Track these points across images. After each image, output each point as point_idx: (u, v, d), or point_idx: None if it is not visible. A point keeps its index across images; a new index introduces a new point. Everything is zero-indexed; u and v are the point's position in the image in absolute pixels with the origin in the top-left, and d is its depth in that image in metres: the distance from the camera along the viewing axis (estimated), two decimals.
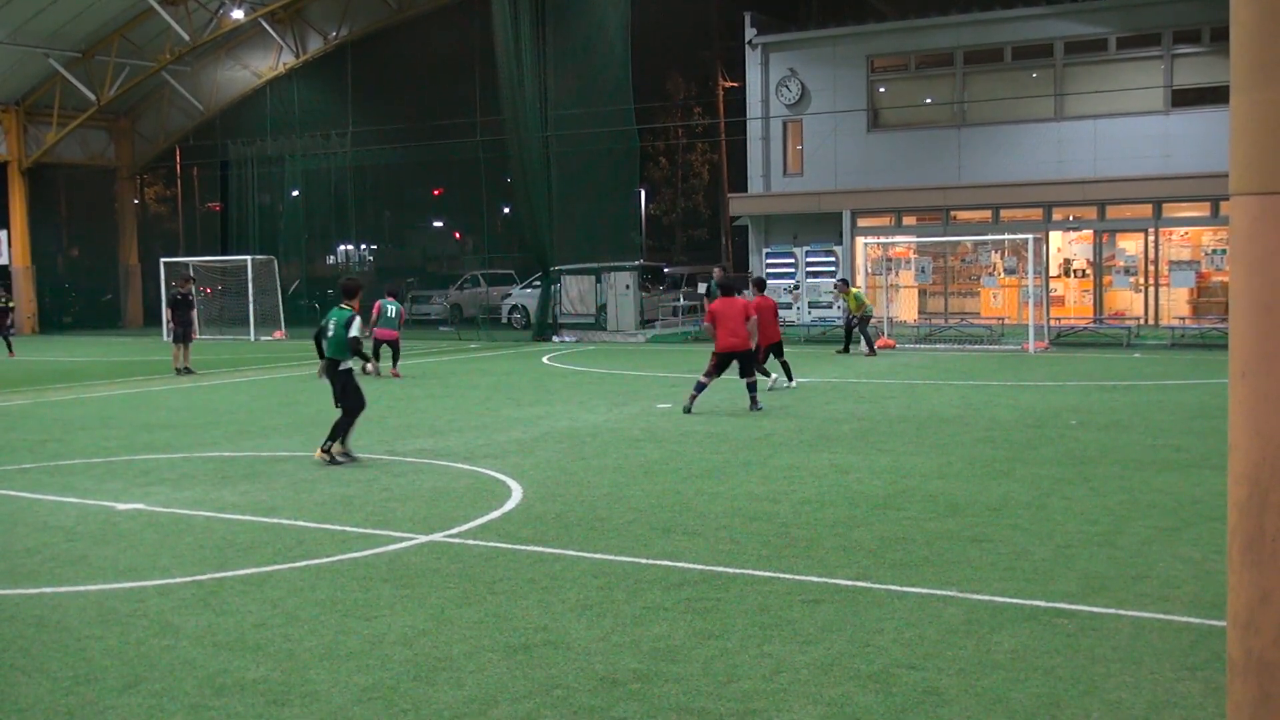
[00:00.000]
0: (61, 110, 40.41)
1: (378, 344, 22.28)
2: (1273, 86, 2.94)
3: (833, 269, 32.42)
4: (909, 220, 34.78)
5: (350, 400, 12.49)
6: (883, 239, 32.88)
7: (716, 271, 25.45)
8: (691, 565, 7.93)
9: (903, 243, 33.48)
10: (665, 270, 42.61)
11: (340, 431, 12.40)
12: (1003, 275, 32.03)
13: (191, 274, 34.16)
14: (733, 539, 8.65)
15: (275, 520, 9.66)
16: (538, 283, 35.08)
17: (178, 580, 7.86)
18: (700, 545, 8.49)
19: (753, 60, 35.93)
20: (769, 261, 34.57)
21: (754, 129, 36.30)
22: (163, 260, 38.87)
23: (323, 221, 42.39)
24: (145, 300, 44.42)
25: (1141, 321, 29.83)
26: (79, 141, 42.73)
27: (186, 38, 37.43)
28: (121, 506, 10.33)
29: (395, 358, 22.78)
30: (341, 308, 12.69)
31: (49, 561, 8.46)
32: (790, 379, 18.68)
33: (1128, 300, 31.62)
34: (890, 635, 6.38)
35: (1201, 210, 30.38)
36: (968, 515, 9.25)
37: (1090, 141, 31.55)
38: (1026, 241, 27.53)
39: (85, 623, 6.96)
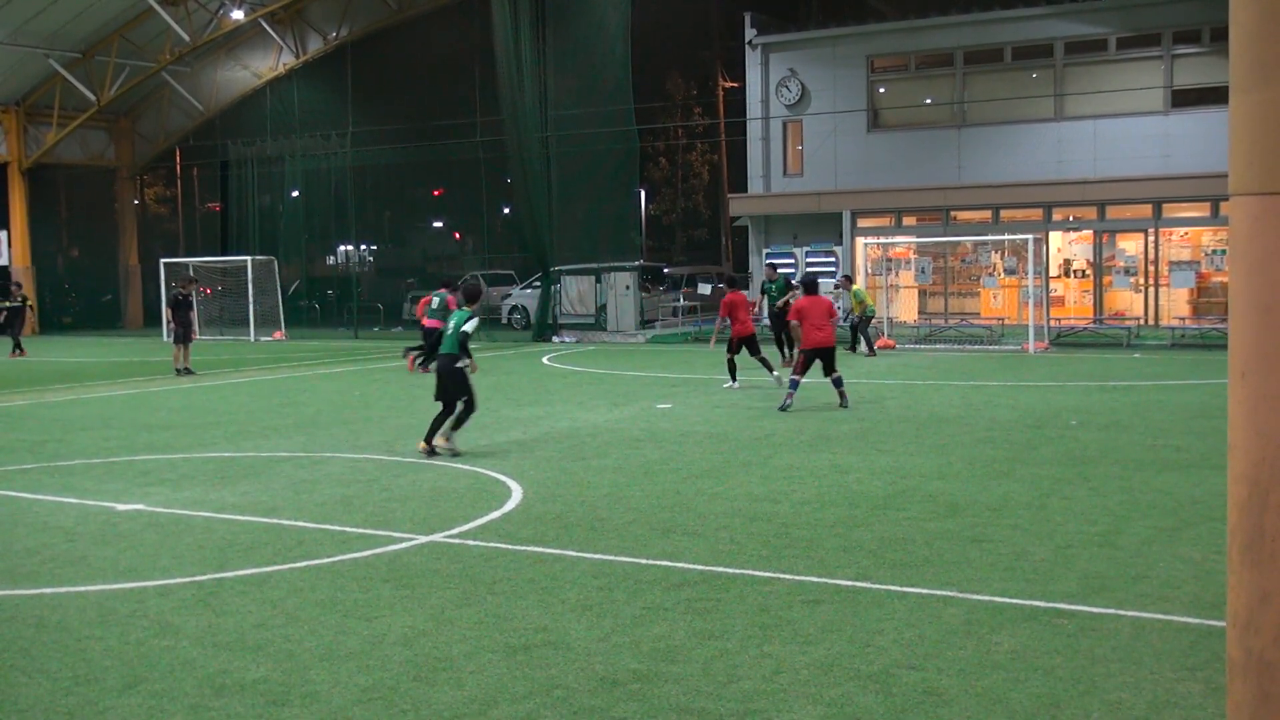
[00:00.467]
0: (61, 110, 40.41)
1: (427, 335, 22.83)
2: (1272, 86, 2.94)
3: (833, 269, 32.42)
4: (909, 220, 34.79)
5: (467, 394, 13.11)
6: (883, 239, 32.89)
7: (768, 270, 25.58)
8: (691, 565, 7.93)
9: (903, 243, 33.49)
10: (665, 270, 42.62)
11: (439, 420, 12.96)
12: (1003, 275, 32.03)
13: (192, 274, 34.17)
14: (733, 539, 8.65)
15: (275, 521, 9.66)
16: (538, 283, 35.07)
17: (178, 581, 7.86)
18: (700, 545, 8.49)
19: (753, 60, 35.93)
20: (769, 262, 34.54)
21: (754, 129, 36.30)
22: (163, 261, 38.88)
23: (322, 222, 42.39)
24: (145, 301, 44.43)
25: (1141, 322, 29.83)
26: (79, 142, 42.73)
27: (186, 38, 37.43)
28: (121, 507, 10.33)
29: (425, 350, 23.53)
30: (462, 309, 13.42)
31: (49, 562, 8.46)
32: (734, 380, 18.89)
33: (1128, 300, 31.62)
34: (890, 635, 6.38)
35: (1201, 210, 30.39)
36: (968, 515, 9.25)
37: (1090, 142, 31.56)
38: (1026, 242, 27.53)
39: (85, 623, 6.96)
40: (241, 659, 6.25)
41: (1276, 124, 2.95)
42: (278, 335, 36.63)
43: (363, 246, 51.42)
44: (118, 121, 44.02)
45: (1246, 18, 3.00)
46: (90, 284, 46.52)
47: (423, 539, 8.86)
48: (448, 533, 9.05)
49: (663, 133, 54.70)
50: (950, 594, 7.12)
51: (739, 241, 46.78)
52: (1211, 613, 6.61)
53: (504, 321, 38.92)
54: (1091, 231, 31.94)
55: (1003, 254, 31.99)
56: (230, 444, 14.06)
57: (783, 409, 15.98)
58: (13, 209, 41.42)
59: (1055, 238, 32.56)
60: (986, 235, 31.59)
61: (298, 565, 8.18)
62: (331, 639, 6.55)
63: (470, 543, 8.74)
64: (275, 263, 38.04)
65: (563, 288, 34.04)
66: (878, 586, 7.33)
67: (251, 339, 36.05)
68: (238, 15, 37.07)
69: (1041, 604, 6.88)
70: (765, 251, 34.92)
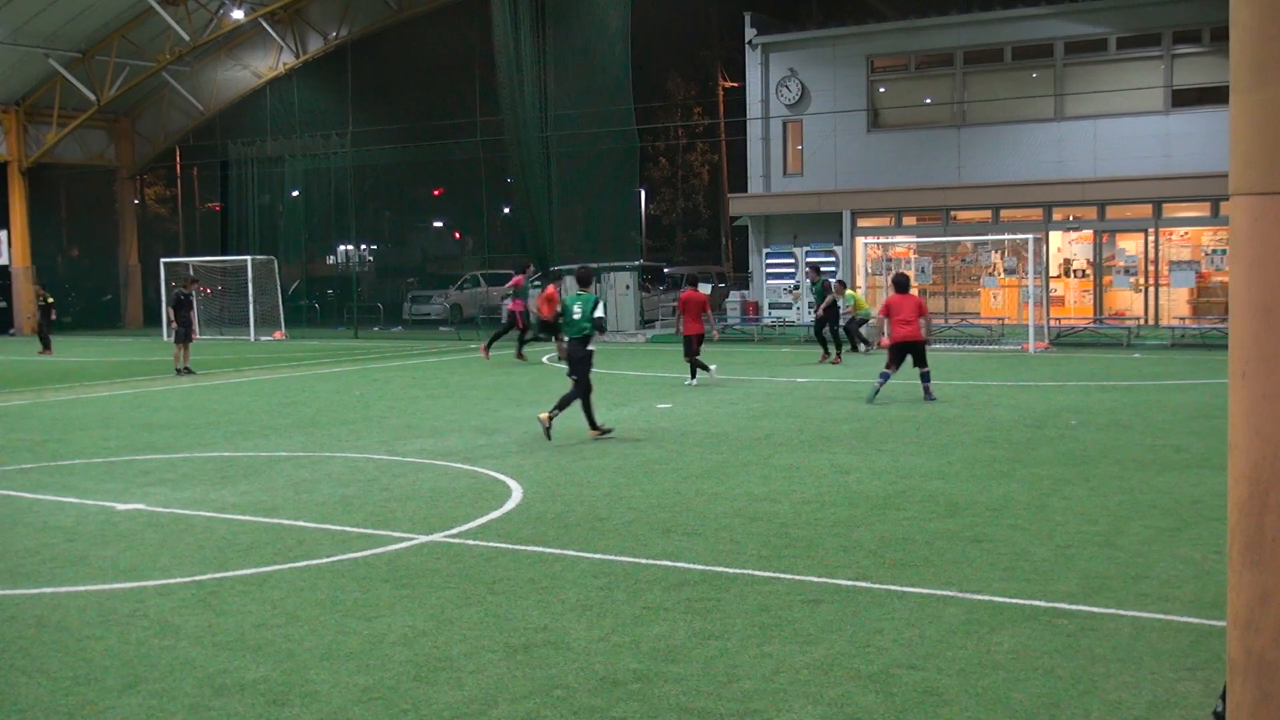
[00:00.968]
0: (61, 110, 40.42)
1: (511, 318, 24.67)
2: (1272, 86, 2.94)
3: (833, 269, 32.43)
4: (909, 220, 34.79)
5: (585, 375, 13.69)
6: (883, 239, 32.89)
7: (810, 273, 25.97)
8: (692, 565, 7.93)
9: (903, 243, 33.49)
10: (665, 270, 42.62)
11: (587, 409, 13.68)
12: (1003, 275, 32.04)
13: (193, 274, 34.18)
14: (733, 539, 8.65)
15: (275, 520, 9.66)
16: (538, 283, 35.06)
17: (178, 580, 7.86)
18: (700, 545, 8.49)
19: (753, 60, 35.94)
20: (769, 262, 34.59)
21: (754, 129, 36.31)
22: (163, 260, 38.89)
23: (323, 222, 42.40)
24: (145, 300, 44.43)
25: (1141, 322, 29.84)
26: (79, 142, 42.74)
27: (186, 38, 37.44)
28: (121, 507, 10.33)
29: (497, 336, 25.29)
30: (581, 293, 14.05)
31: (49, 561, 8.46)
32: (693, 377, 19.47)
33: (1128, 300, 31.63)
34: (890, 635, 6.38)
35: (1201, 210, 30.40)
36: (968, 515, 9.25)
37: (1090, 141, 31.56)
38: (1026, 242, 27.53)
39: (85, 623, 6.96)
40: (241, 659, 6.25)
41: (1276, 124, 2.95)
42: (278, 335, 36.63)
43: (363, 246, 51.38)
44: (118, 121, 44.04)
45: (1246, 18, 3.00)
46: (90, 284, 46.57)
47: (423, 539, 8.86)
48: (448, 533, 9.05)
49: (663, 133, 54.70)
50: (950, 594, 7.12)
51: (739, 241, 46.79)
52: (1211, 613, 6.61)
53: (504, 321, 38.89)
54: (1091, 231, 31.94)
55: (1003, 254, 31.99)
56: (230, 444, 14.06)
57: (870, 401, 16.64)
58: (13, 209, 41.43)
59: (1055, 237, 32.57)
60: (986, 235, 31.60)
61: (298, 565, 8.18)
62: (331, 639, 6.55)
63: (470, 543, 8.74)
64: (275, 262, 38.05)
65: (563, 288, 33.99)
66: (878, 586, 7.33)
67: (251, 339, 36.05)
68: (238, 15, 37.08)
69: (1041, 604, 6.88)
70: (765, 251, 34.92)
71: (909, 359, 16.93)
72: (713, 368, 19.77)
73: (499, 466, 11.92)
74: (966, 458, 11.90)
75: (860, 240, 33.16)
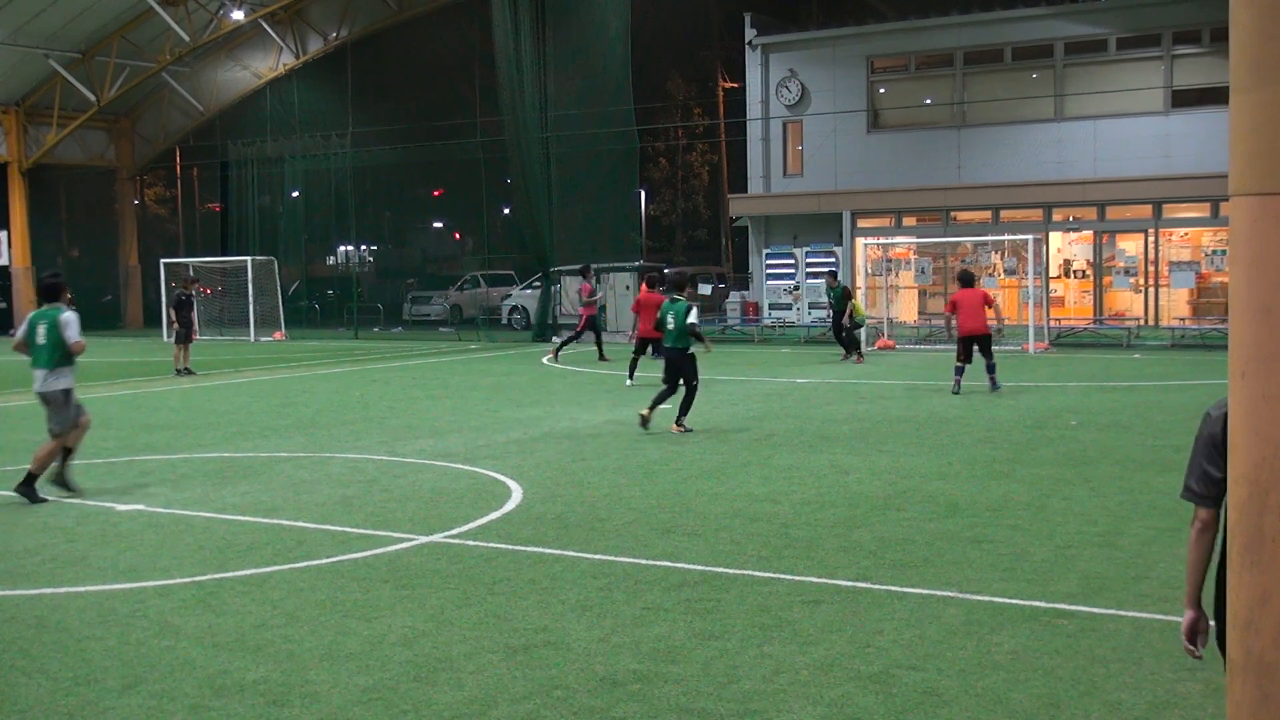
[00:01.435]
0: (61, 111, 40.42)
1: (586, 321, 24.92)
2: (1272, 86, 2.94)
3: (834, 270, 32.42)
4: (909, 221, 34.79)
5: (695, 378, 14.23)
6: (883, 240, 32.89)
7: (829, 279, 25.98)
8: (692, 566, 7.93)
9: (903, 243, 33.49)
10: (665, 271, 42.59)
11: (660, 398, 14.23)
12: (1003, 276, 32.03)
13: (193, 274, 34.18)
14: (733, 540, 8.65)
15: (275, 521, 9.66)
16: (538, 283, 35.08)
17: (178, 581, 7.86)
18: (700, 546, 8.48)
19: (753, 61, 35.95)
20: (769, 263, 34.59)
21: (754, 130, 36.31)
22: (163, 261, 38.89)
23: (323, 222, 42.42)
24: (145, 301, 44.43)
25: (1141, 322, 29.83)
26: (79, 142, 42.74)
27: (186, 38, 37.45)
28: (121, 507, 10.33)
29: (570, 339, 25.31)
30: (674, 299, 14.34)
31: (49, 562, 8.46)
32: (631, 378, 19.63)
33: (1128, 301, 31.63)
34: (890, 636, 6.38)
35: (1201, 211, 30.40)
36: (968, 516, 9.25)
37: (1090, 142, 31.56)
38: (1026, 242, 27.53)
39: (85, 623, 6.96)
40: (241, 659, 6.25)
41: (1276, 124, 2.95)
42: (278, 335, 36.64)
43: (363, 247, 51.41)
44: (118, 122, 44.04)
45: (1246, 18, 3.00)
46: (90, 284, 46.56)
47: (423, 539, 8.86)
48: (448, 533, 9.05)
49: (663, 133, 54.72)
50: (950, 594, 7.12)
51: (739, 242, 46.79)
52: (1211, 613, 6.60)
53: (504, 322, 38.94)
54: (1091, 232, 31.94)
55: (1003, 254, 31.99)
56: (230, 444, 14.06)
57: (955, 393, 17.27)
58: (13, 209, 41.43)
59: (1055, 238, 32.57)
60: (986, 236, 31.60)
61: (298, 566, 8.18)
62: (331, 639, 6.55)
63: (470, 543, 8.74)
64: (275, 263, 38.06)
65: (562, 288, 34.04)
66: (877, 587, 7.33)
67: (251, 339, 36.05)
68: (238, 16, 37.09)
69: (1041, 604, 6.88)
70: (765, 252, 34.91)
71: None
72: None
73: (499, 467, 11.92)
74: (966, 458, 11.90)
75: (860, 241, 33.16)
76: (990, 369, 17.59)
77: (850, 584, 7.41)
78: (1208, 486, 3.88)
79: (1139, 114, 31.10)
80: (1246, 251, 3.03)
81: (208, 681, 5.94)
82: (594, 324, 25.27)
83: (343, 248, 46.05)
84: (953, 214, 33.63)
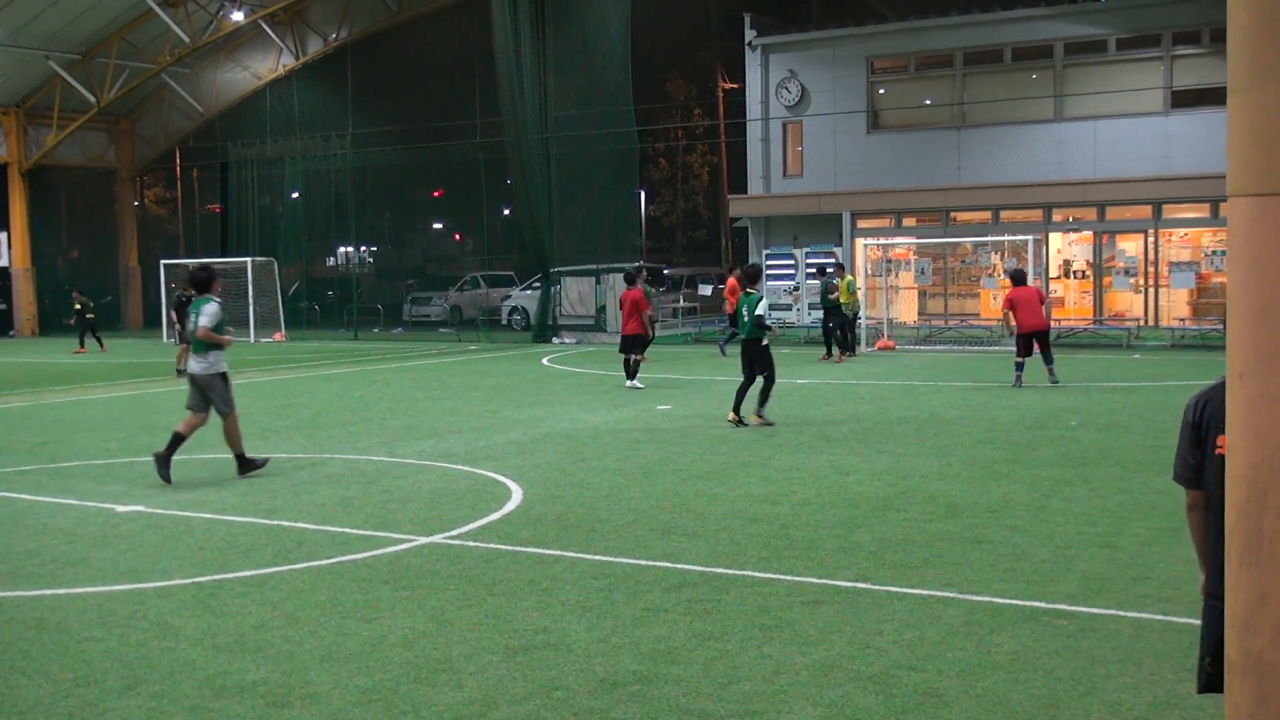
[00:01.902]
0: (61, 112, 40.43)
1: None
2: (1270, 87, 2.94)
3: (840, 264, 32.38)
4: (909, 221, 34.79)
5: (769, 370, 14.56)
6: (882, 240, 32.89)
7: (835, 271, 26.16)
8: (691, 567, 7.93)
9: (902, 244, 33.49)
10: (665, 272, 42.60)
11: (741, 393, 14.63)
12: (1003, 276, 32.02)
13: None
14: (733, 540, 8.65)
15: (275, 522, 9.66)
16: (537, 284, 35.08)
17: (178, 582, 7.86)
18: (700, 547, 8.49)
19: (753, 61, 35.95)
20: (769, 263, 34.58)
21: (754, 130, 36.31)
22: (163, 262, 38.89)
23: (322, 223, 42.42)
24: (145, 302, 44.43)
25: (1141, 322, 29.83)
26: (79, 143, 42.75)
27: (186, 39, 37.46)
28: (121, 508, 10.33)
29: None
30: (748, 292, 14.79)
31: (49, 563, 8.46)
32: (631, 378, 19.52)
33: (1127, 301, 31.62)
34: (890, 637, 6.38)
35: (1201, 211, 30.40)
36: (968, 516, 9.26)
37: (1090, 142, 31.56)
38: (1026, 243, 27.52)
39: (85, 625, 6.96)
40: (241, 660, 6.25)
41: (1274, 124, 2.95)
42: (277, 336, 36.64)
43: (363, 248, 51.41)
44: (118, 123, 44.05)
45: (1245, 18, 3.00)
46: (90, 285, 46.53)
47: (423, 540, 8.86)
48: (448, 534, 9.05)
49: (663, 134, 54.72)
50: (950, 595, 7.12)
51: (739, 243, 46.79)
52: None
53: (504, 323, 38.94)
54: (1091, 232, 31.95)
55: (1003, 255, 31.98)
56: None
57: (1017, 387, 18.02)
58: (13, 210, 41.44)
59: (1055, 238, 32.57)
60: (986, 236, 31.60)
61: (298, 566, 8.18)
62: (331, 640, 6.55)
63: (470, 544, 8.74)
64: (275, 264, 38.06)
65: (562, 289, 34.05)
66: (877, 588, 7.33)
67: (251, 340, 36.05)
68: (237, 17, 37.10)
69: (1041, 605, 6.88)
70: (765, 252, 34.90)
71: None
72: (630, 384, 19.26)
73: (499, 468, 11.93)
74: (966, 459, 11.90)
75: (860, 241, 33.15)
76: (1048, 359, 18.24)
77: (850, 585, 7.41)
78: (1187, 469, 4.29)
79: (1139, 114, 31.11)
80: (1245, 252, 3.04)
81: (208, 682, 5.94)
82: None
83: (343, 249, 46.05)
84: (953, 214, 33.63)
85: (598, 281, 33.63)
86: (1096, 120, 31.50)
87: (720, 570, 7.82)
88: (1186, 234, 31.20)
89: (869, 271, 32.45)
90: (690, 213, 60.07)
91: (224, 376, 11.82)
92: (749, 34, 35.89)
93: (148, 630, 6.82)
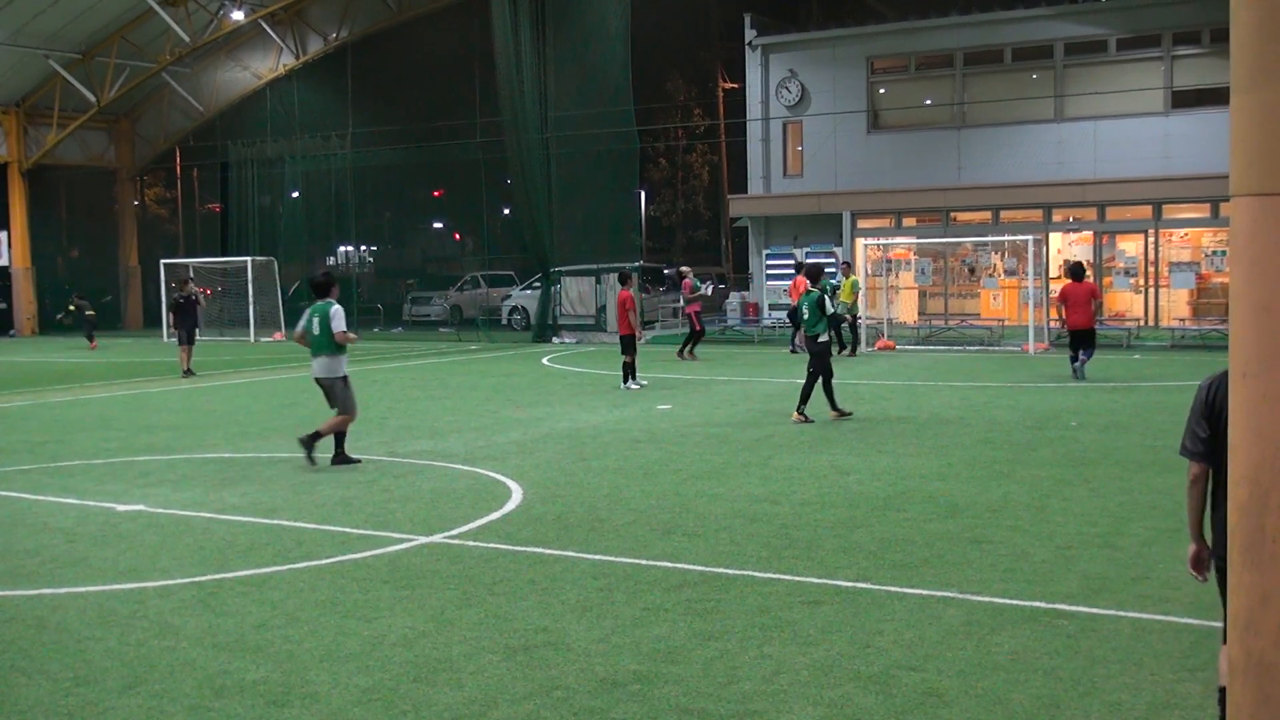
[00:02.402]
0: (61, 111, 40.42)
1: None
2: (1272, 87, 2.94)
3: (833, 271, 32.39)
4: (909, 221, 34.79)
5: (820, 366, 14.77)
6: (883, 240, 32.89)
7: (843, 267, 26.52)
8: (691, 566, 7.93)
9: (902, 244, 33.48)
10: (665, 271, 42.58)
11: (829, 393, 14.82)
12: (1003, 276, 32.03)
13: (191, 275, 34.17)
14: (733, 540, 8.65)
15: (275, 521, 9.66)
16: (537, 284, 35.07)
17: (178, 581, 7.86)
18: (700, 546, 8.48)
19: (753, 61, 35.94)
20: (769, 263, 34.59)
21: (754, 130, 36.30)
22: (163, 261, 38.89)
23: (323, 223, 42.42)
24: (145, 302, 44.43)
25: (1141, 323, 29.83)
26: (79, 143, 42.74)
27: (186, 39, 37.45)
28: (122, 508, 10.32)
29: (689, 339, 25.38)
30: (809, 290, 14.99)
31: (49, 563, 8.46)
32: (636, 379, 19.47)
33: (1128, 301, 31.62)
34: (890, 636, 6.38)
35: (1201, 211, 30.40)
36: (968, 516, 9.25)
37: (1090, 143, 31.56)
38: (1026, 243, 27.53)
39: (85, 624, 6.96)
40: (241, 660, 6.25)
41: (1276, 124, 2.95)
42: (277, 336, 36.62)
43: (362, 247, 51.39)
44: (118, 122, 44.04)
45: (1246, 18, 3.00)
46: (90, 285, 46.56)
47: (423, 540, 8.86)
48: (448, 534, 9.05)
49: (663, 134, 54.70)
50: (950, 595, 7.12)
51: (739, 243, 46.79)
52: (1211, 614, 6.59)
53: (504, 322, 38.94)
54: (1091, 232, 31.94)
55: (1003, 255, 31.98)
56: (230, 445, 14.06)
57: (1081, 379, 18.55)
58: (13, 210, 41.43)
59: (1055, 239, 32.56)
60: (987, 236, 31.59)
61: (298, 566, 8.18)
62: (331, 640, 6.55)
63: (470, 544, 8.74)
64: (275, 264, 38.05)
65: (562, 289, 34.05)
66: (878, 587, 7.33)
67: (251, 340, 36.05)
68: (238, 16, 37.09)
69: (1042, 605, 6.88)
70: (765, 253, 34.89)
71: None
72: (629, 385, 19.22)
73: (499, 467, 11.93)
74: (966, 459, 11.90)
75: (860, 241, 33.15)
76: (1087, 355, 18.72)
77: (850, 584, 7.41)
78: (1196, 443, 4.59)
79: (1139, 114, 31.10)
80: (1247, 252, 3.03)
81: (208, 682, 5.94)
82: (696, 321, 25.46)
83: (343, 248, 46.05)
84: (953, 214, 33.63)
85: (598, 281, 33.60)
86: (1096, 120, 31.50)
87: (720, 570, 7.82)
88: (1187, 234, 31.19)
89: (869, 271, 32.44)
90: (690, 213, 60.06)
91: (345, 380, 12.48)
92: (749, 34, 35.88)
93: (148, 630, 6.81)
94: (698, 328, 25.45)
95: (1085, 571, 7.57)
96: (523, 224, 34.53)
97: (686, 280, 26.37)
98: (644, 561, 8.07)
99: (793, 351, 25.33)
